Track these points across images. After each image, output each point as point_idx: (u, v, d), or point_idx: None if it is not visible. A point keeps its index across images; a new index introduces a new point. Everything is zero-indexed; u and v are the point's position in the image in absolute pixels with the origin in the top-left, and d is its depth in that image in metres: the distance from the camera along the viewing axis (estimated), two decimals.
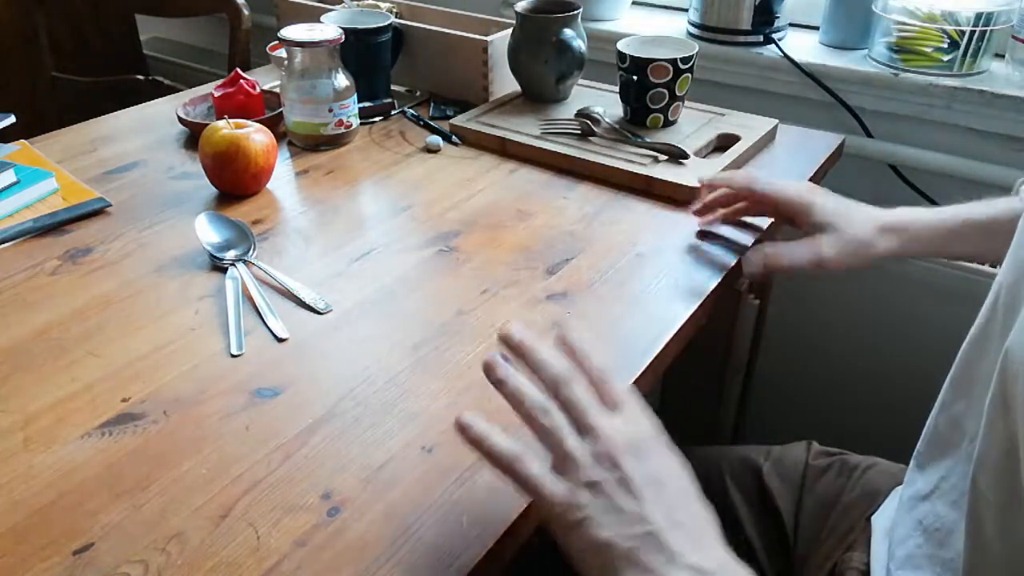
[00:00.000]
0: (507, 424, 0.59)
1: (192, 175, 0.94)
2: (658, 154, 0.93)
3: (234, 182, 0.89)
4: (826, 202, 0.76)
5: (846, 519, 0.73)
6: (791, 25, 1.28)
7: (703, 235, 0.83)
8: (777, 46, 1.20)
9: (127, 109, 1.13)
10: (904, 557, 0.58)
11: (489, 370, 0.49)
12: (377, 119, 1.09)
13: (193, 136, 1.01)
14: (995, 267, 0.65)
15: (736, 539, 0.79)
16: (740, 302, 0.99)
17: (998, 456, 0.44)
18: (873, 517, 0.69)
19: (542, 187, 0.92)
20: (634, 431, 0.48)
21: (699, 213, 0.84)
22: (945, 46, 1.09)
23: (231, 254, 0.78)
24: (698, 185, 0.87)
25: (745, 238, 0.82)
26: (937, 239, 0.74)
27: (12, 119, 0.99)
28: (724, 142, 0.99)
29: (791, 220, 0.78)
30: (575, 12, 1.02)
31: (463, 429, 0.48)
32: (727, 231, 0.84)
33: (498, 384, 0.49)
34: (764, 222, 0.84)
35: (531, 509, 0.53)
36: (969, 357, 0.55)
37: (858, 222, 0.74)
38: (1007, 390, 0.43)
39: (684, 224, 0.85)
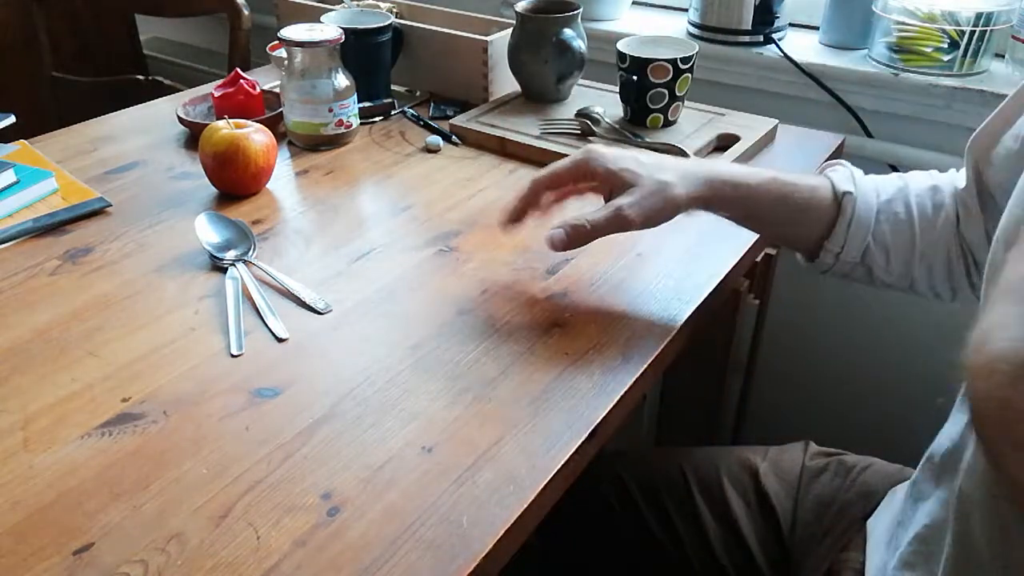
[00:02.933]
0: (505, 425, 0.59)
1: (192, 175, 0.94)
2: (658, 154, 0.93)
3: (234, 182, 0.89)
4: (617, 155, 0.69)
5: (842, 519, 0.73)
6: (791, 25, 1.28)
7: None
8: (777, 46, 1.20)
9: (127, 109, 1.13)
10: (899, 557, 0.58)
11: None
12: (377, 119, 1.09)
13: (193, 136, 1.01)
14: None
15: (733, 539, 0.79)
16: (740, 302, 0.99)
17: (982, 460, 0.44)
18: (869, 520, 0.70)
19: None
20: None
21: (513, 222, 0.73)
22: (945, 46, 1.09)
23: (231, 254, 0.78)
24: None
25: (744, 240, 0.82)
26: (741, 192, 0.69)
27: (12, 119, 0.99)
28: (724, 142, 0.99)
29: (596, 185, 0.72)
30: (575, 12, 1.02)
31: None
32: (727, 229, 0.83)
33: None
34: (751, 237, 0.84)
35: (531, 508, 0.53)
36: None
37: (661, 168, 0.68)
38: None
39: (684, 224, 0.84)
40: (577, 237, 0.67)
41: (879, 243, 0.69)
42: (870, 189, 0.70)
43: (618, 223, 0.67)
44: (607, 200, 0.70)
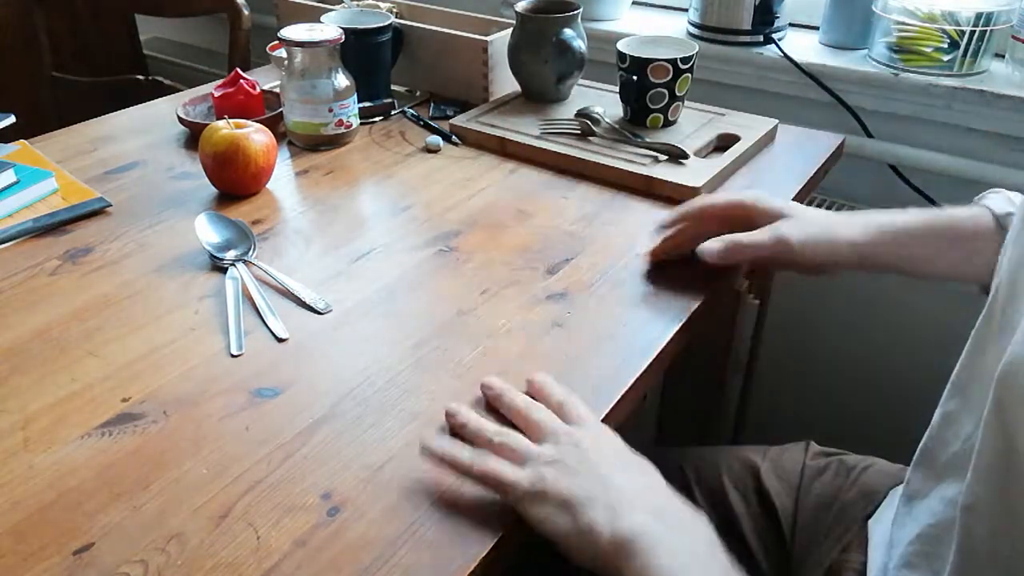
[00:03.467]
0: (504, 425, 0.59)
1: (192, 175, 0.94)
2: (658, 154, 0.93)
3: (234, 182, 0.89)
4: (776, 200, 0.74)
5: (843, 519, 0.73)
6: (791, 25, 1.28)
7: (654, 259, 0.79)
8: (777, 46, 1.20)
9: (127, 109, 1.13)
10: (900, 557, 0.58)
11: (450, 417, 0.58)
12: (377, 119, 1.09)
13: (193, 136, 1.01)
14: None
15: (734, 539, 0.79)
16: (740, 302, 0.99)
17: (992, 460, 0.44)
18: (871, 520, 0.69)
19: (542, 187, 0.92)
20: (594, 433, 0.56)
21: (658, 255, 0.78)
22: (945, 46, 1.09)
23: (231, 254, 0.78)
24: (698, 185, 0.87)
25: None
26: (901, 236, 0.69)
27: (12, 119, 0.99)
28: (724, 142, 0.99)
29: (743, 224, 0.74)
30: (575, 12, 1.02)
31: (431, 453, 0.54)
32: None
33: (461, 428, 0.57)
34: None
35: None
36: (970, 357, 0.55)
37: (815, 213, 0.72)
38: (1004, 400, 0.43)
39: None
40: (734, 251, 0.70)
41: None
42: None
43: (781, 245, 0.69)
44: None
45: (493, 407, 0.60)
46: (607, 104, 1.03)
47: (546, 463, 0.52)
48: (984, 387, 0.47)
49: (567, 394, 0.58)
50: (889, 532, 0.63)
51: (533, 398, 0.59)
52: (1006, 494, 0.43)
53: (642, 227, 0.84)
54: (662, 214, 0.86)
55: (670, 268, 0.77)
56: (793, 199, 0.90)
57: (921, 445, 0.61)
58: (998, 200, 0.69)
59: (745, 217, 0.74)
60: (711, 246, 0.71)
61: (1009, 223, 0.65)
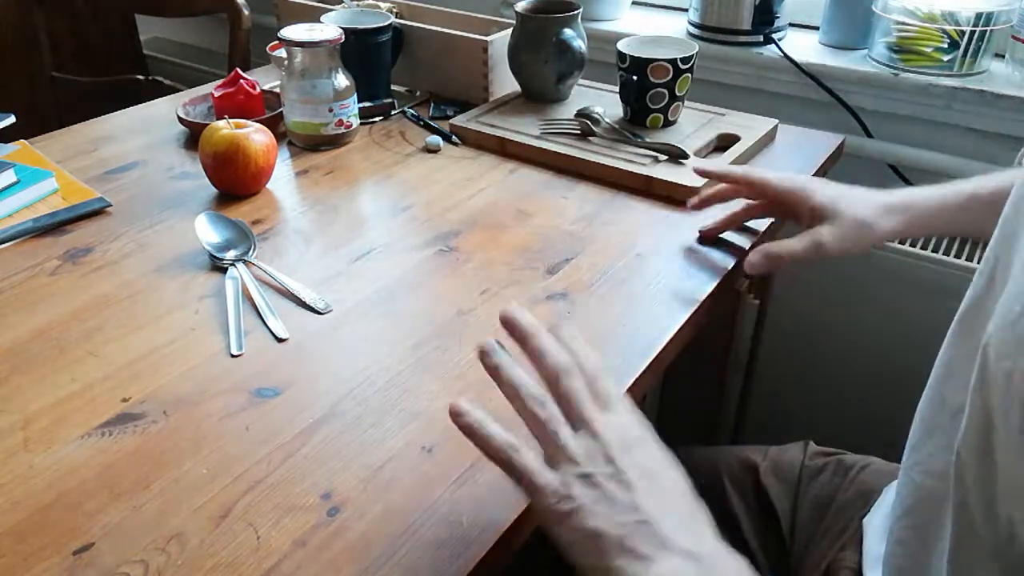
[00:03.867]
0: (506, 425, 0.59)
1: (192, 175, 0.94)
2: (658, 154, 0.93)
3: (234, 182, 0.89)
4: (825, 188, 0.75)
5: (841, 518, 0.73)
6: (791, 25, 1.28)
7: (703, 239, 0.82)
8: (777, 46, 1.20)
9: (127, 109, 1.13)
10: (891, 539, 0.58)
11: (484, 356, 0.50)
12: (377, 119, 1.09)
13: (193, 136, 1.01)
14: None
15: (733, 539, 0.79)
16: (740, 302, 0.99)
17: (977, 429, 0.44)
18: (865, 518, 0.69)
19: (542, 187, 0.92)
20: (627, 427, 0.49)
21: (697, 207, 0.84)
22: (945, 46, 1.09)
23: (231, 254, 0.78)
24: (698, 185, 0.87)
25: (743, 240, 0.82)
26: (942, 216, 0.72)
27: (12, 119, 0.99)
28: (724, 142, 0.99)
29: (791, 212, 0.77)
30: (575, 12, 1.02)
31: (457, 415, 0.48)
32: (727, 232, 0.83)
33: (493, 371, 0.50)
34: (763, 223, 0.84)
35: (530, 511, 0.53)
36: (961, 328, 0.55)
37: (860, 205, 0.73)
38: (986, 375, 0.43)
39: (684, 224, 0.85)
40: (773, 263, 0.73)
41: None
42: None
43: (816, 254, 0.72)
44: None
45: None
46: (607, 104, 1.03)
47: (577, 477, 0.46)
48: (972, 360, 0.47)
49: (597, 368, 0.51)
50: (884, 526, 0.63)
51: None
52: (990, 467, 0.43)
53: (642, 227, 0.84)
54: (662, 214, 0.87)
55: (670, 268, 0.78)
56: None
57: (912, 428, 0.61)
58: None
59: (795, 204, 0.76)
60: (752, 259, 0.75)
61: None
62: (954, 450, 0.47)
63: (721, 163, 0.84)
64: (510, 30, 1.07)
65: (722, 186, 0.82)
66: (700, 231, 0.82)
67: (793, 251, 0.73)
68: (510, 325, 0.51)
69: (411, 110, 1.10)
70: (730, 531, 0.79)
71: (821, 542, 0.73)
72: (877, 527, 0.66)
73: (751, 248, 0.81)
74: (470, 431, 0.48)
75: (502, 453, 0.47)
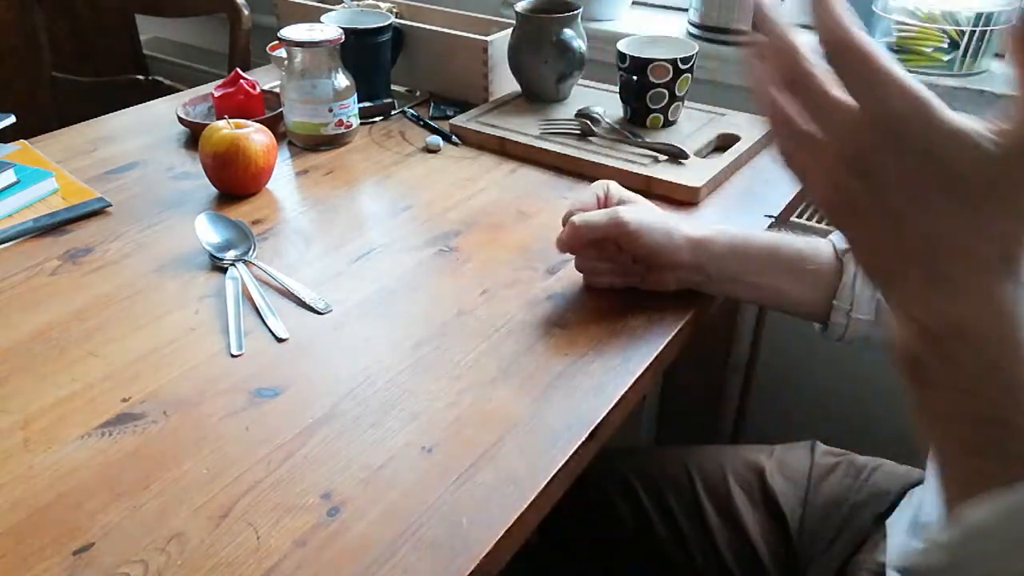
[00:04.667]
0: (505, 425, 0.59)
1: (192, 175, 0.94)
2: (658, 154, 0.93)
3: (234, 182, 0.89)
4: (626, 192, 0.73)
5: (855, 520, 0.73)
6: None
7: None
8: None
9: (127, 109, 1.13)
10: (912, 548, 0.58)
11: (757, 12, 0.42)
12: (377, 119, 1.09)
13: (193, 136, 1.01)
14: None
15: (739, 539, 0.79)
16: (740, 302, 0.99)
17: None
18: (889, 520, 0.69)
19: (542, 187, 0.92)
20: None
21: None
22: (945, 46, 1.09)
23: (231, 254, 0.78)
24: (698, 185, 0.87)
25: None
26: (738, 241, 0.70)
27: (12, 119, 0.99)
28: (724, 142, 0.99)
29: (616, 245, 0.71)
30: (575, 12, 1.02)
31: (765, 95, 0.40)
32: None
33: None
34: (764, 223, 0.84)
35: (531, 508, 0.53)
36: None
37: (659, 210, 0.72)
38: None
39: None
40: (573, 235, 0.70)
41: None
42: None
43: (613, 224, 0.68)
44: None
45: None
46: (607, 104, 1.03)
47: None
48: None
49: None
50: (910, 523, 0.63)
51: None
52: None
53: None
54: None
55: None
56: (793, 199, 0.90)
57: None
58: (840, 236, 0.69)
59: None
60: (562, 236, 0.71)
61: (850, 258, 0.67)
62: None
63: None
64: (510, 30, 1.07)
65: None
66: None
67: (595, 223, 0.69)
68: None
69: (411, 110, 1.10)
70: (735, 531, 0.79)
71: (833, 544, 0.73)
72: (902, 526, 0.66)
73: None
74: (776, 117, 0.40)
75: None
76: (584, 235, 0.70)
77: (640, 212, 0.70)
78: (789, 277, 0.69)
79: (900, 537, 0.65)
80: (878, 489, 0.74)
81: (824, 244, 0.70)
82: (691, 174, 0.89)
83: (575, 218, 0.70)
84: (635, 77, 0.97)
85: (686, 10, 1.31)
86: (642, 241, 0.68)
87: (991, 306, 0.35)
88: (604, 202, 0.73)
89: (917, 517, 0.63)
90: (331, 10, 1.11)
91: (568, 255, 0.79)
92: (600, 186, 0.74)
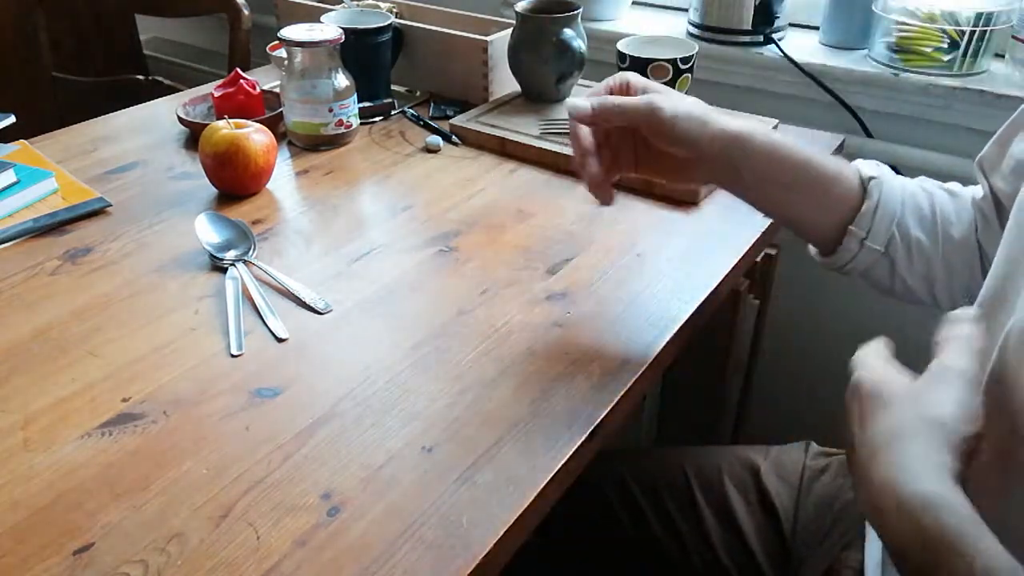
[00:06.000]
0: (505, 425, 0.59)
1: (192, 175, 0.94)
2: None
3: (234, 182, 0.89)
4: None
5: (844, 519, 0.73)
6: (791, 25, 1.28)
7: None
8: (777, 46, 1.20)
9: (127, 109, 1.13)
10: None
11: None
12: (377, 119, 1.09)
13: (193, 136, 1.01)
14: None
15: (734, 539, 0.79)
16: (740, 302, 0.99)
17: (996, 430, 0.44)
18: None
19: (542, 187, 0.92)
20: None
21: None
22: (945, 46, 1.09)
23: (231, 254, 0.78)
24: (698, 187, 0.87)
25: (743, 240, 0.82)
26: (771, 141, 0.66)
27: (12, 119, 0.99)
28: None
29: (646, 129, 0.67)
30: (575, 12, 1.02)
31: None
32: (727, 229, 0.84)
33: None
34: (763, 223, 0.84)
35: (531, 508, 0.53)
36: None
37: (695, 99, 0.67)
38: (1005, 369, 0.43)
39: (684, 224, 0.85)
40: (604, 111, 0.64)
41: (903, 235, 0.67)
42: (895, 181, 0.68)
43: (649, 110, 0.63)
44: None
45: None
46: None
47: None
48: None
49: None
50: None
51: None
52: (1012, 474, 0.43)
53: (642, 227, 0.84)
54: (662, 214, 0.87)
55: (670, 268, 0.78)
56: None
57: None
58: (867, 164, 0.69)
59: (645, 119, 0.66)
60: (580, 104, 0.65)
61: (875, 187, 0.66)
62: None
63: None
64: (510, 30, 1.07)
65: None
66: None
67: (631, 105, 0.64)
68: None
69: (411, 110, 1.10)
70: (731, 530, 0.79)
71: (824, 542, 0.73)
72: None
73: (750, 249, 0.81)
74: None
75: None
76: (613, 116, 0.65)
77: (674, 99, 0.65)
78: (815, 195, 0.67)
79: (875, 537, 0.65)
80: None
81: (850, 169, 0.68)
82: None
83: (610, 98, 0.65)
84: None
85: (686, 10, 1.31)
86: (677, 130, 0.63)
87: None
88: (624, 93, 0.68)
89: None
90: (331, 10, 1.11)
91: (568, 255, 0.79)
92: (617, 78, 0.68)
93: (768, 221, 0.84)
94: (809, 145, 0.68)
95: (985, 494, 0.45)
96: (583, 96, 0.67)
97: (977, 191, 0.68)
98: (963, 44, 1.08)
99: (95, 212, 0.87)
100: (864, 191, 0.67)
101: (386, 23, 1.06)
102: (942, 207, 0.68)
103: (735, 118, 0.67)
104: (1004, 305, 0.49)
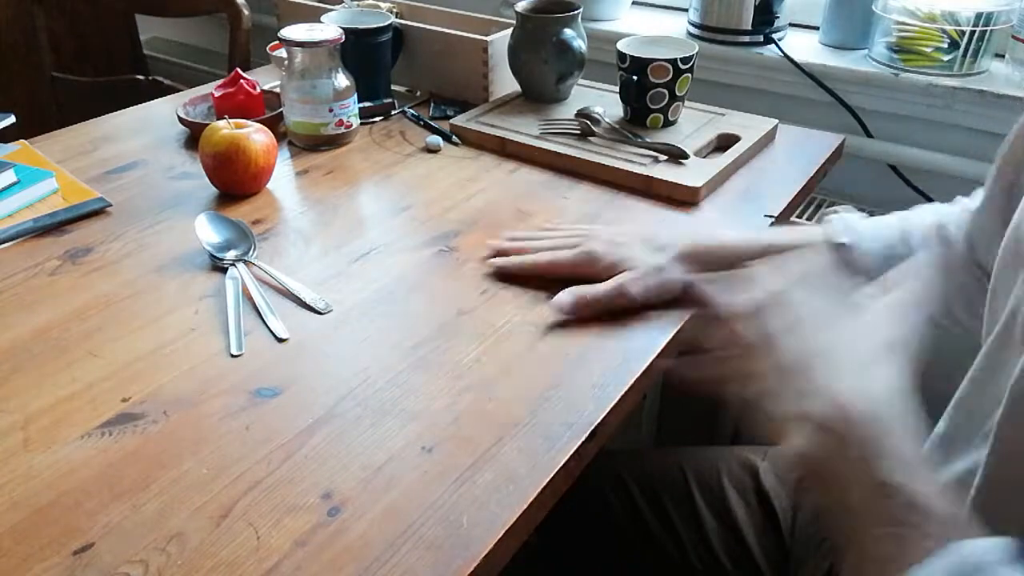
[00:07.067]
0: (505, 425, 0.59)
1: (192, 175, 0.94)
2: (658, 154, 0.93)
3: (234, 182, 0.89)
4: (609, 249, 0.73)
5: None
6: (791, 25, 1.28)
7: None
8: (777, 46, 1.20)
9: (127, 109, 1.13)
10: None
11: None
12: (377, 119, 1.09)
13: (193, 136, 1.01)
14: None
15: (733, 539, 0.79)
16: None
17: (1005, 466, 0.44)
18: None
19: (542, 187, 0.92)
20: None
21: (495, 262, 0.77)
22: (945, 46, 1.09)
23: (231, 254, 0.78)
24: (698, 185, 0.87)
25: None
26: (727, 248, 0.72)
27: (12, 119, 0.99)
28: (724, 142, 0.99)
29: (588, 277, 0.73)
30: (575, 12, 1.02)
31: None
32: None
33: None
34: (764, 223, 0.84)
35: (531, 508, 0.53)
36: (978, 379, 0.55)
37: (659, 250, 0.72)
38: (1016, 417, 0.43)
39: (684, 224, 0.85)
40: (581, 308, 0.70)
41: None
42: (869, 237, 0.70)
43: (619, 299, 0.70)
44: None
45: None
46: (607, 104, 1.03)
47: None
48: (988, 409, 0.47)
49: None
50: None
51: None
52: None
53: (642, 227, 0.84)
54: (662, 214, 0.87)
55: None
56: (793, 199, 0.90)
57: (931, 443, 0.61)
58: (837, 225, 0.72)
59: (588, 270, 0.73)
60: (562, 299, 0.70)
61: (844, 253, 0.69)
62: (979, 469, 0.47)
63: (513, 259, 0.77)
64: (510, 30, 1.07)
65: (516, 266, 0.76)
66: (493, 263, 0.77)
67: (599, 294, 0.70)
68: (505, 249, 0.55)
69: (411, 110, 1.10)
70: (730, 530, 0.79)
71: (823, 542, 0.73)
72: None
73: None
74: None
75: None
76: (589, 309, 0.70)
77: (640, 274, 0.71)
78: None
79: None
80: None
81: (815, 237, 0.70)
82: (691, 174, 0.89)
83: (579, 289, 0.71)
84: (635, 77, 0.97)
85: (686, 10, 1.31)
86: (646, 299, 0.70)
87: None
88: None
89: None
90: (331, 10, 1.11)
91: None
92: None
93: (769, 221, 0.84)
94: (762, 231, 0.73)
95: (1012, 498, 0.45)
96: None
97: (971, 203, 0.68)
98: (963, 44, 1.08)
99: (95, 212, 0.87)
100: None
101: (386, 23, 1.06)
102: (925, 246, 0.69)
103: (690, 238, 0.74)
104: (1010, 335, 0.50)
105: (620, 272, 0.71)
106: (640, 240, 0.74)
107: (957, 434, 0.56)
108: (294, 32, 0.96)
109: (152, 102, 1.17)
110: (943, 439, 0.58)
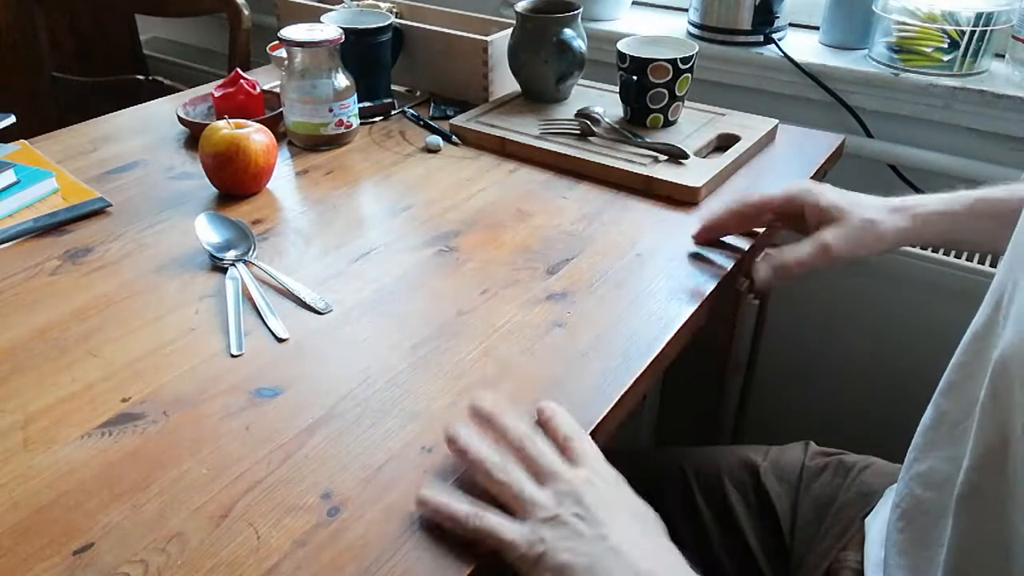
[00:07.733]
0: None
1: (192, 175, 0.94)
2: (658, 154, 0.93)
3: (234, 182, 0.89)
4: (828, 192, 0.74)
5: (841, 519, 0.73)
6: (791, 25, 1.28)
7: (698, 242, 0.81)
8: (777, 46, 1.20)
9: (127, 109, 1.13)
10: (891, 545, 0.59)
11: (451, 442, 0.54)
12: (377, 119, 1.09)
13: (193, 136, 1.01)
14: (994, 266, 0.64)
15: (733, 539, 0.79)
16: (740, 302, 0.99)
17: (989, 448, 0.44)
18: (867, 518, 0.69)
19: (542, 187, 0.92)
20: (596, 474, 0.53)
21: (700, 239, 0.81)
22: (945, 46, 1.09)
23: (231, 254, 0.78)
24: (698, 185, 0.87)
25: (743, 241, 0.82)
26: (948, 219, 0.70)
27: (12, 119, 0.99)
28: (724, 142, 0.99)
29: (795, 220, 0.76)
30: (575, 12, 1.02)
31: (423, 503, 0.51)
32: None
33: (461, 455, 0.53)
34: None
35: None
36: (968, 352, 0.55)
37: (865, 205, 0.71)
38: (999, 392, 0.43)
39: (684, 224, 0.85)
40: (785, 273, 0.71)
41: None
42: None
43: (824, 257, 0.70)
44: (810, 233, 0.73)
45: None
46: (607, 104, 1.03)
47: (545, 521, 0.49)
48: (980, 382, 0.47)
49: (576, 431, 0.55)
50: (884, 530, 0.63)
51: (541, 426, 0.56)
52: (1004, 482, 0.43)
53: (642, 227, 0.84)
54: (662, 214, 0.87)
55: (670, 268, 0.78)
56: None
57: (913, 443, 0.61)
58: None
59: (799, 210, 0.75)
60: (761, 273, 0.73)
61: None
62: (957, 465, 0.47)
63: (717, 209, 0.80)
64: (510, 30, 1.07)
65: (723, 215, 0.79)
66: (694, 237, 0.81)
67: (800, 258, 0.71)
68: (477, 413, 0.56)
69: (411, 110, 1.10)
70: (730, 531, 0.79)
71: (822, 542, 0.73)
72: (879, 529, 0.66)
73: (750, 250, 0.81)
74: (437, 514, 0.51)
75: (468, 521, 0.49)
76: (793, 273, 0.71)
77: (847, 233, 0.70)
78: (994, 235, 0.68)
79: (876, 536, 0.65)
80: (866, 487, 0.74)
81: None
82: (691, 174, 0.89)
83: (778, 256, 0.72)
84: (635, 77, 0.97)
85: (686, 10, 1.31)
86: (848, 260, 0.70)
87: None
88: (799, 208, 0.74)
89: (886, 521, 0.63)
90: (331, 10, 1.11)
91: (568, 255, 0.79)
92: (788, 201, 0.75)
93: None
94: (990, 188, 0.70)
95: (985, 502, 0.45)
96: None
97: None
98: (963, 44, 1.08)
99: (95, 212, 0.87)
100: None
101: (386, 23, 1.06)
102: None
103: (904, 203, 0.72)
104: (997, 314, 0.49)
105: (827, 223, 0.71)
106: (850, 195, 0.74)
107: (943, 421, 0.56)
108: (294, 32, 0.96)
109: (152, 102, 1.17)
110: (928, 429, 0.58)
